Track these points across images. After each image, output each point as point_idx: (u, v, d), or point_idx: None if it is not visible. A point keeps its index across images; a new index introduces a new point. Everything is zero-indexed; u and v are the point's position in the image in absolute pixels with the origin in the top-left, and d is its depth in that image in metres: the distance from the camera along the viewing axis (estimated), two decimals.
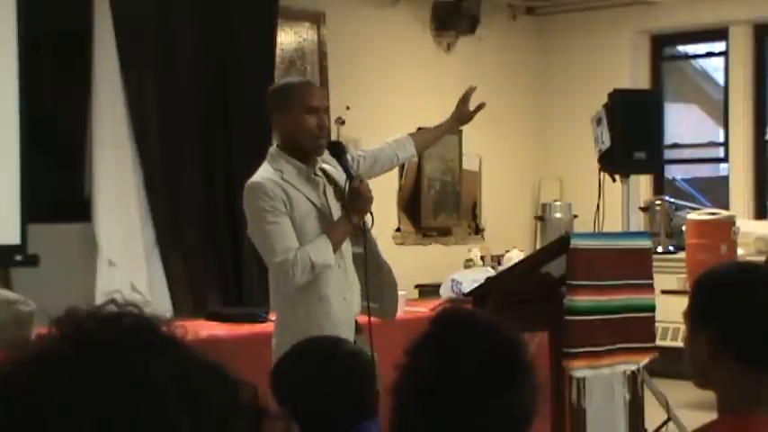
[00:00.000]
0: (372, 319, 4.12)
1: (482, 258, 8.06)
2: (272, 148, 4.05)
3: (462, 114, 4.61)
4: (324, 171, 4.02)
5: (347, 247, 4.02)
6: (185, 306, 6.67)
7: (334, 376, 2.64)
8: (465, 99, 4.63)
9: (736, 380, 1.96)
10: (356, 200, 3.93)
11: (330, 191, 4.01)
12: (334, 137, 7.79)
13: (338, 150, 4.02)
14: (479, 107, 4.66)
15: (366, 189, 3.94)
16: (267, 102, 4.10)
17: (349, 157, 4.10)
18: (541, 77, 9.66)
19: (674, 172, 9.87)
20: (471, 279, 5.78)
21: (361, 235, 4.02)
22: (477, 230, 9.22)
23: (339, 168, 4.07)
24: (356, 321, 4.05)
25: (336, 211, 3.99)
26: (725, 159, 9.29)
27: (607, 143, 6.56)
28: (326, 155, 4.07)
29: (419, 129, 4.76)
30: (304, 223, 3.91)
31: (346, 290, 3.99)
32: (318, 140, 3.95)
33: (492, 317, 1.99)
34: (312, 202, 3.94)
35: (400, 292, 5.87)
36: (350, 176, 3.97)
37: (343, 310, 3.95)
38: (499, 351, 1.89)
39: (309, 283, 3.89)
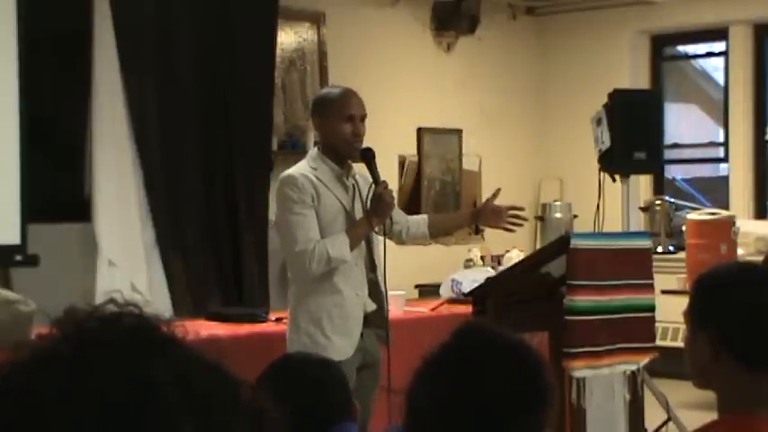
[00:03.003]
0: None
1: (482, 258, 8.06)
2: (313, 149, 4.36)
3: (485, 219, 4.71)
4: (356, 179, 4.31)
5: (363, 250, 4.27)
6: (185, 306, 6.67)
7: (305, 388, 2.66)
8: (498, 214, 4.69)
9: (736, 380, 1.96)
10: (378, 204, 4.18)
11: (358, 196, 4.27)
12: None
13: (368, 156, 4.28)
14: (507, 226, 4.72)
15: (389, 195, 4.20)
16: (311, 107, 4.49)
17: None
18: (541, 77, 9.66)
19: (674, 172, 9.87)
20: (471, 279, 5.78)
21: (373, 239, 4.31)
22: (477, 230, 9.22)
23: (370, 184, 4.34)
24: (365, 316, 4.25)
25: (360, 215, 4.26)
26: (725, 159, 9.28)
27: (607, 143, 6.56)
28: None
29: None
30: (330, 220, 4.17)
31: (360, 288, 4.22)
32: (353, 145, 4.25)
33: (514, 335, 1.97)
34: (341, 202, 4.21)
35: (400, 292, 5.90)
36: (376, 181, 4.23)
37: (354, 305, 4.19)
38: (523, 372, 1.87)
39: (325, 276, 4.14)
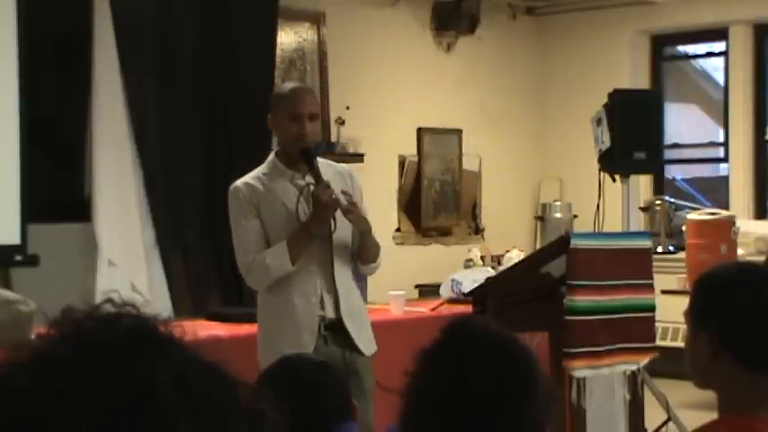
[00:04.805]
0: (372, 317, 4.27)
1: (482, 258, 8.06)
2: (272, 153, 4.20)
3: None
4: (316, 176, 4.02)
5: (319, 252, 4.02)
6: (185, 306, 6.67)
7: (304, 390, 2.66)
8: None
9: (736, 380, 1.96)
10: (315, 206, 3.96)
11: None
12: (334, 137, 7.81)
13: (307, 156, 4.04)
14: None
15: (326, 195, 3.94)
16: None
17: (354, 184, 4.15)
18: (541, 77, 9.66)
19: (674, 172, 9.87)
20: (471, 279, 5.78)
21: (328, 242, 4.02)
22: (477, 230, 9.22)
23: (347, 178, 4.16)
24: (333, 325, 4.03)
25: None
26: (725, 159, 9.28)
27: (607, 143, 6.56)
28: (343, 165, 4.25)
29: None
30: (275, 226, 4.01)
31: (313, 293, 4.00)
32: (299, 146, 4.04)
33: (506, 330, 1.98)
34: (286, 206, 4.02)
35: (400, 292, 5.91)
36: (317, 181, 3.99)
37: (308, 314, 3.98)
38: (511, 367, 1.89)
39: (278, 286, 3.99)
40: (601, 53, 9.36)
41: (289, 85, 4.47)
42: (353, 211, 3.99)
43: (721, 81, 9.40)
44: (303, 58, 8.00)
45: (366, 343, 4.07)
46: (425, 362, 1.93)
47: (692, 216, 7.91)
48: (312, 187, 4.00)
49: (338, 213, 3.98)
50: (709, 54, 9.78)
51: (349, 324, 4.02)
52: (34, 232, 6.00)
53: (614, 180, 6.65)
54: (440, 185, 8.90)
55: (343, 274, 4.07)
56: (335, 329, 4.02)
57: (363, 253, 4.11)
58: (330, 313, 4.02)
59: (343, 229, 4.04)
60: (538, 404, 1.88)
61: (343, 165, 4.41)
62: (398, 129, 8.56)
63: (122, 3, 6.56)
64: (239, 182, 4.11)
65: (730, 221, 7.64)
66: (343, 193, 4.03)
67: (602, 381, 4.75)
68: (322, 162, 4.12)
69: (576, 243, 4.70)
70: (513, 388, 1.87)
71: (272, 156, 4.15)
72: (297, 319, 3.97)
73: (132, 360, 0.88)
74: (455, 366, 1.89)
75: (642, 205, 8.96)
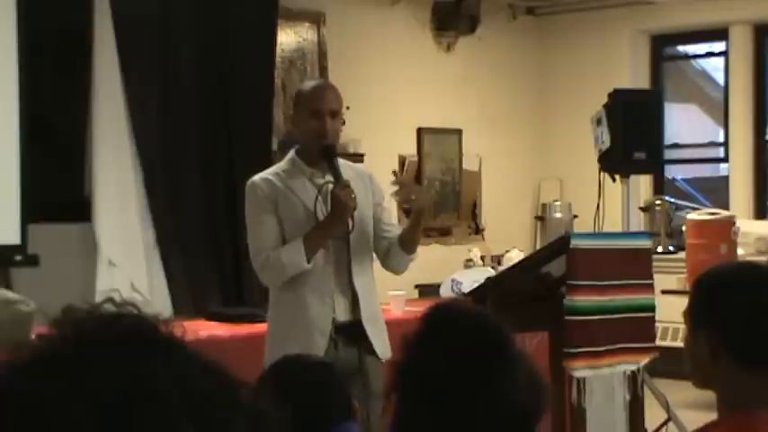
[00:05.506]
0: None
1: (482, 258, 8.06)
2: (293, 150, 4.10)
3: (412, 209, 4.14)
4: (337, 175, 3.96)
5: (334, 252, 3.97)
6: (185, 306, 6.67)
7: (305, 389, 2.66)
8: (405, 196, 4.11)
9: (735, 380, 1.96)
10: (333, 205, 3.89)
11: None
12: None
13: (327, 154, 3.98)
14: (409, 207, 4.15)
15: (345, 194, 3.87)
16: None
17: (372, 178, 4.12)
18: (541, 77, 9.66)
19: (674, 172, 9.87)
20: (471, 279, 5.78)
21: (345, 242, 3.95)
22: (477, 230, 9.22)
23: (367, 180, 4.09)
24: (343, 327, 3.96)
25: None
26: (725, 159, 9.29)
27: (607, 143, 6.56)
28: (362, 166, 4.20)
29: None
30: (293, 224, 3.93)
31: (327, 294, 3.93)
32: (320, 143, 3.95)
33: (478, 309, 2.03)
34: (304, 204, 3.95)
35: (400, 292, 5.90)
36: (337, 180, 3.93)
37: (320, 313, 3.91)
38: (483, 341, 1.92)
39: (292, 286, 3.91)
40: (601, 53, 9.37)
41: (311, 83, 4.40)
42: (409, 183, 3.93)
43: (721, 81, 9.40)
44: (303, 58, 8.00)
45: (382, 346, 3.99)
46: (403, 350, 1.98)
47: (692, 216, 7.91)
48: (331, 186, 3.93)
49: (357, 213, 3.92)
50: (709, 54, 9.79)
51: (369, 328, 3.95)
52: (34, 232, 6.00)
53: (614, 180, 6.64)
54: (440, 185, 8.90)
55: (362, 276, 3.99)
56: (347, 332, 3.93)
57: (415, 237, 4.06)
58: (341, 316, 3.93)
59: (362, 230, 3.99)
60: (514, 381, 1.89)
61: (362, 166, 4.35)
62: (398, 129, 8.56)
63: (122, 3, 6.56)
64: (257, 177, 4.02)
65: (730, 221, 7.64)
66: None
67: (602, 381, 4.75)
68: (342, 162, 4.06)
69: (576, 243, 4.70)
70: (486, 363, 1.89)
71: (291, 153, 4.05)
72: (310, 318, 3.89)
73: (133, 360, 0.88)
74: (428, 346, 1.93)
75: (642, 205, 8.96)
